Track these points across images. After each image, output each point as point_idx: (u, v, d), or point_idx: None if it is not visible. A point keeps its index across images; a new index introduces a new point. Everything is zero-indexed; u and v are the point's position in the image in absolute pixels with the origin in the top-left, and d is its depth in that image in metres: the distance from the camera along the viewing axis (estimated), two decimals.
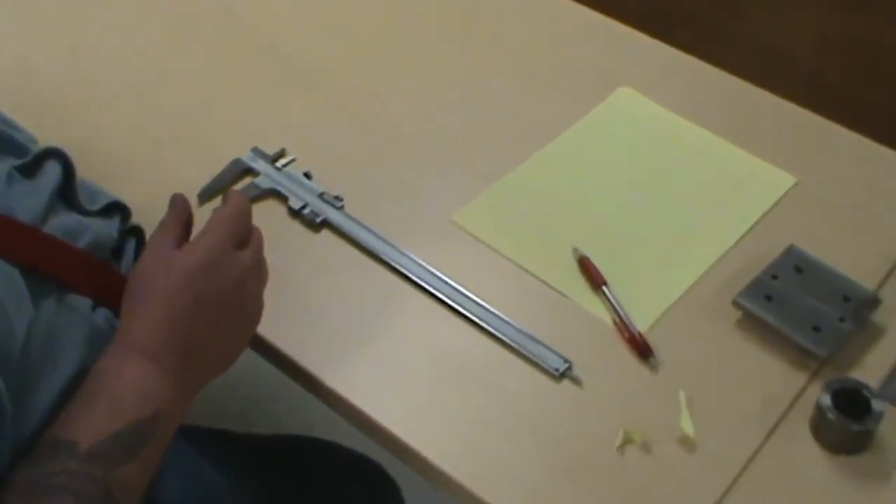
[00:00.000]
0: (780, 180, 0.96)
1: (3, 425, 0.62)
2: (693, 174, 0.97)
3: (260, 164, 0.96)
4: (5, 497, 0.61)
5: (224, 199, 0.77)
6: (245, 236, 0.75)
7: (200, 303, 0.70)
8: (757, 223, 0.93)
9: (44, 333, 0.69)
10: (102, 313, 0.75)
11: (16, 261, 0.68)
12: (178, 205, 0.78)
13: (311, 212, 0.92)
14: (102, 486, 0.62)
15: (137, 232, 0.86)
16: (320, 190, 0.93)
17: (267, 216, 0.92)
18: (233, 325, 0.74)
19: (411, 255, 0.89)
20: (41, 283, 0.70)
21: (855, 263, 0.87)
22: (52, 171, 0.79)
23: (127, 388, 0.67)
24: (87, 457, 0.63)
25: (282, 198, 0.93)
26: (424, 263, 0.88)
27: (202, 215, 0.91)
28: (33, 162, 0.78)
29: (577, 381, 0.81)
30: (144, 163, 0.98)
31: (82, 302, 0.74)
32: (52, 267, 0.72)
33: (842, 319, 0.82)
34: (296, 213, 0.92)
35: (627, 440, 0.77)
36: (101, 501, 0.62)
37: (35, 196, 0.75)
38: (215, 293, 0.71)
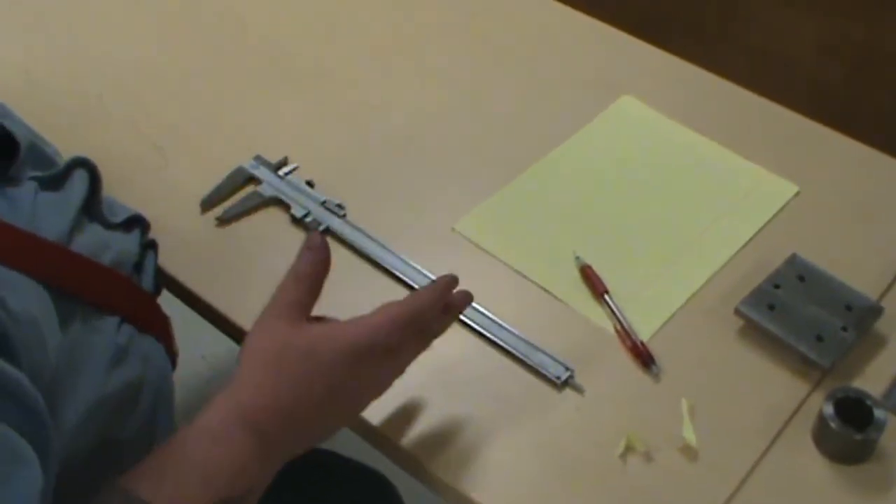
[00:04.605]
0: (783, 189, 0.96)
1: (48, 441, 0.58)
2: (695, 183, 0.97)
3: (262, 173, 0.96)
4: None
5: (413, 294, 0.73)
6: (410, 331, 0.71)
7: (331, 392, 0.67)
8: (759, 232, 0.92)
9: (68, 355, 0.66)
10: (126, 331, 0.74)
11: (43, 280, 0.66)
12: (318, 254, 0.73)
13: (314, 220, 0.92)
14: None
15: (152, 244, 0.86)
16: (323, 198, 0.94)
17: (269, 224, 0.93)
18: (343, 414, 0.72)
19: (413, 264, 0.89)
20: (67, 303, 0.68)
21: (858, 272, 0.87)
22: (79, 182, 0.78)
23: (226, 459, 0.63)
24: None
25: (284, 206, 0.93)
26: (426, 272, 0.88)
27: (205, 223, 0.92)
28: (63, 172, 0.77)
29: (578, 390, 0.81)
30: (147, 171, 0.98)
31: (108, 322, 0.72)
32: (78, 286, 0.70)
33: (844, 329, 0.82)
34: (298, 222, 0.92)
35: (629, 448, 0.77)
36: None
37: (62, 212, 0.73)
38: (353, 388, 0.69)
